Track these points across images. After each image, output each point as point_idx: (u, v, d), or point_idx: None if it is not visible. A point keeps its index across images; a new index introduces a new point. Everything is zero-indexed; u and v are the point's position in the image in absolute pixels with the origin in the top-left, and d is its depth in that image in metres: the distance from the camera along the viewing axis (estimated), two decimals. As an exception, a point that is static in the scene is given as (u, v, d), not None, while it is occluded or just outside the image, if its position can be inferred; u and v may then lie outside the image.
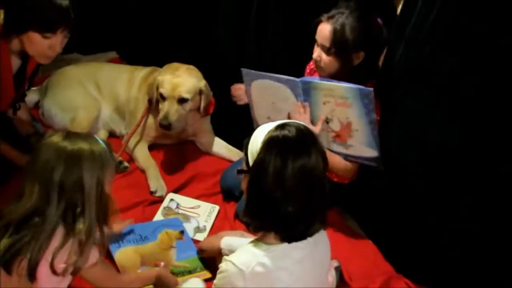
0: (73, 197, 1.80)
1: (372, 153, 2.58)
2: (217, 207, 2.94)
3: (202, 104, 3.10)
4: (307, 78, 2.64)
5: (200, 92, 3.08)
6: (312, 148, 1.81)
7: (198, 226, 2.81)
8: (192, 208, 2.92)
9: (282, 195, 1.78)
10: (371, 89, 2.41)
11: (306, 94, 2.57)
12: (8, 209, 1.81)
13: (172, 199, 2.96)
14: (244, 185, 1.92)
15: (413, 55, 2.44)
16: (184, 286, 2.29)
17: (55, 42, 2.45)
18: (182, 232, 2.67)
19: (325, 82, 2.53)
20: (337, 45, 2.53)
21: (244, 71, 2.74)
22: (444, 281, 2.50)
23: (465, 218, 2.38)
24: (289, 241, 1.85)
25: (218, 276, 1.92)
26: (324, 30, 2.55)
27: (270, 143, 1.80)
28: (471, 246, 2.38)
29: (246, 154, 1.89)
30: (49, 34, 2.39)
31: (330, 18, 2.54)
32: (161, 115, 3.00)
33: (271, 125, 1.86)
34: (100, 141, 1.90)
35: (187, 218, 2.85)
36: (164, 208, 2.90)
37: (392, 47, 2.57)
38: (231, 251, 2.15)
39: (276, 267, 1.82)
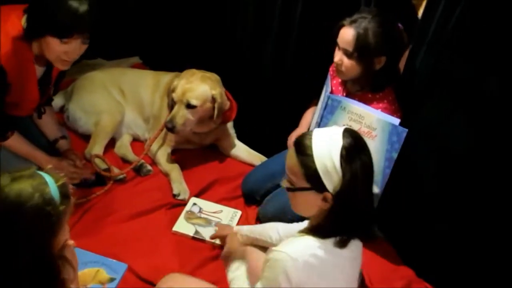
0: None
1: (373, 189, 2.55)
2: (239, 212, 2.96)
3: (215, 113, 3.11)
4: (338, 96, 2.62)
5: (213, 100, 3.09)
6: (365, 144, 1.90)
7: (219, 230, 2.83)
8: (214, 212, 2.94)
9: (368, 196, 1.88)
10: (406, 129, 2.38)
11: (330, 110, 2.57)
12: None
13: (195, 204, 2.99)
14: (303, 201, 1.91)
15: (434, 60, 2.45)
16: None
17: (71, 48, 2.48)
18: (113, 279, 2.50)
19: (358, 107, 2.50)
20: (360, 50, 2.53)
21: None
22: (465, 286, 2.50)
23: (484, 223, 2.38)
24: (367, 241, 1.96)
25: (267, 265, 1.89)
26: (347, 34, 2.55)
27: (348, 154, 1.79)
28: (492, 251, 2.38)
29: (310, 172, 1.83)
30: (65, 40, 2.42)
31: (352, 22, 2.54)
32: (168, 117, 3.04)
33: (336, 139, 1.83)
34: (52, 181, 1.52)
35: (209, 222, 2.88)
36: (187, 212, 2.93)
37: (413, 52, 2.58)
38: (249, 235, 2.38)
39: (327, 261, 1.84)
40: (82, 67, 3.62)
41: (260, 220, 2.90)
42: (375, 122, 2.45)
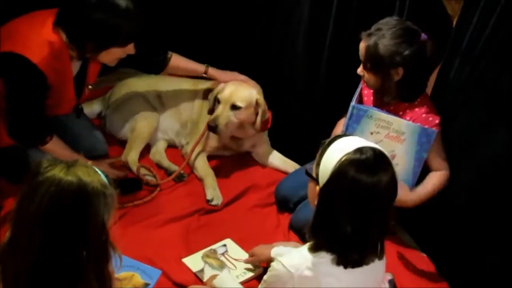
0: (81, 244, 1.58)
1: None
2: (252, 274, 2.65)
3: (259, 119, 3.14)
4: (364, 106, 2.65)
5: (257, 105, 3.12)
6: (384, 174, 1.79)
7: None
8: (236, 259, 2.72)
9: (344, 211, 1.79)
10: (436, 130, 2.41)
11: (356, 120, 2.59)
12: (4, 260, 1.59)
13: (224, 245, 2.80)
14: (309, 190, 1.98)
15: (468, 70, 2.43)
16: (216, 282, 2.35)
17: (130, 48, 2.67)
18: (147, 285, 2.52)
19: (384, 114, 2.54)
20: (371, 62, 2.56)
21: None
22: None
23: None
24: (343, 265, 1.85)
25: (268, 274, 1.98)
26: (361, 47, 2.60)
27: (345, 165, 1.77)
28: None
29: (318, 162, 1.88)
30: (127, 44, 2.62)
31: (368, 35, 2.56)
32: (211, 117, 3.07)
33: (350, 147, 1.82)
34: (100, 172, 1.68)
35: (222, 266, 2.66)
36: (210, 249, 2.76)
37: (447, 62, 2.56)
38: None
39: (324, 273, 1.85)
40: (119, 74, 3.68)
41: (292, 227, 2.91)
42: (404, 127, 2.49)
